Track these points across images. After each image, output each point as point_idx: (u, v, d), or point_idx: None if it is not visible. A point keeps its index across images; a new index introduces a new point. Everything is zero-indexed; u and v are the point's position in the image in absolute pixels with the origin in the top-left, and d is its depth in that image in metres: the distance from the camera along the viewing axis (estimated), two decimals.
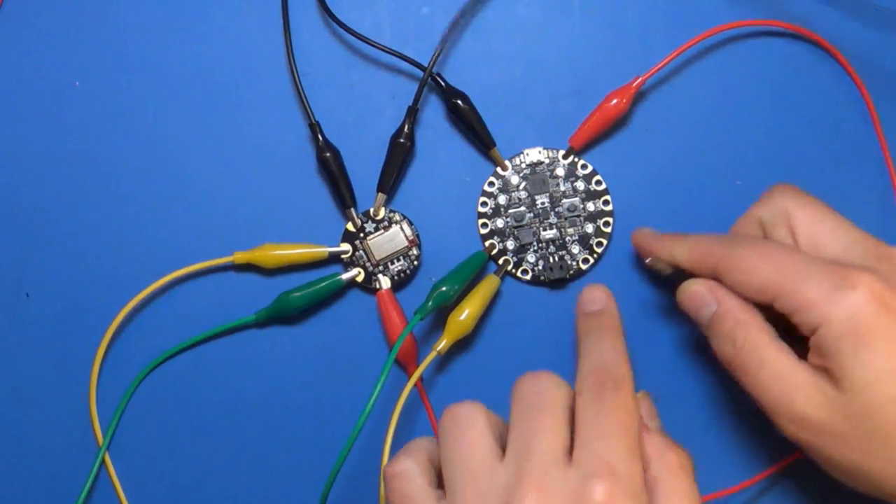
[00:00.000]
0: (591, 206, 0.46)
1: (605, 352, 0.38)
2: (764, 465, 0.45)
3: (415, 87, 0.46)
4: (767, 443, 0.45)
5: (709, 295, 0.40)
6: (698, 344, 0.45)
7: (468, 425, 0.36)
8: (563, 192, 0.46)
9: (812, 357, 0.37)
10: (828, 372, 0.36)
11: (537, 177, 0.46)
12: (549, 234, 0.46)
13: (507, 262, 0.46)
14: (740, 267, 0.38)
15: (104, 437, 0.46)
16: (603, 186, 0.46)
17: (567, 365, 0.46)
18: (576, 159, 0.46)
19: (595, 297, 0.41)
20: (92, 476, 0.45)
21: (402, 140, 0.45)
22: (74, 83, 0.47)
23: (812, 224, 0.40)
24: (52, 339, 0.46)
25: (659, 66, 0.44)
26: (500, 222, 0.46)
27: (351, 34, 0.46)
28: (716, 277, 0.40)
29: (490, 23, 0.47)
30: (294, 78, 0.45)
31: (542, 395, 0.36)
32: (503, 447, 0.36)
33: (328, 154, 0.45)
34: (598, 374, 0.36)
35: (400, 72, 0.46)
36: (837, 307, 0.36)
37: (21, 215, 0.47)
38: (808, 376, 0.37)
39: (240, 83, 0.47)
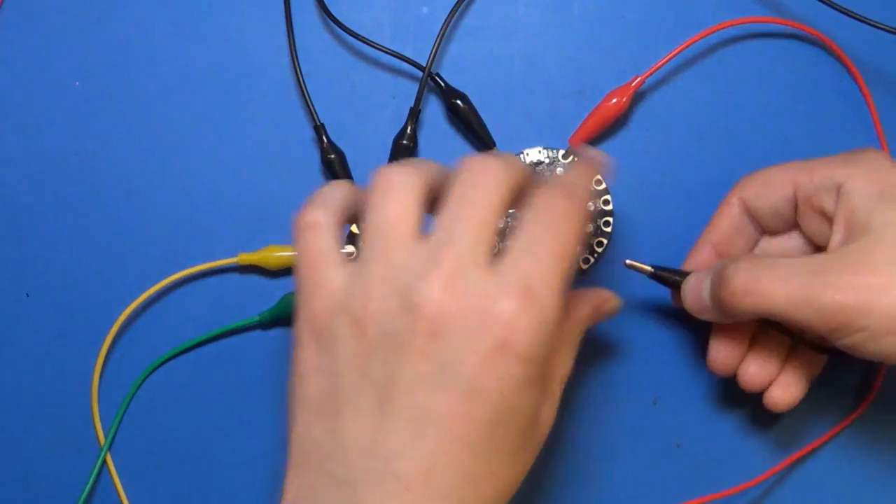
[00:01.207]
0: (590, 206, 0.46)
1: (570, 175, 0.36)
2: (765, 467, 0.45)
3: (415, 87, 0.46)
4: (768, 444, 0.45)
5: (701, 276, 0.40)
6: (699, 344, 0.45)
7: (400, 194, 0.34)
8: None
9: (837, 227, 0.38)
10: (855, 231, 0.37)
11: (537, 177, 0.46)
12: None
13: None
14: (762, 176, 0.41)
15: (106, 437, 0.46)
16: (603, 186, 0.46)
17: None
18: (576, 159, 0.46)
19: (587, 150, 0.41)
20: (93, 476, 0.45)
21: (405, 142, 0.45)
22: (74, 83, 0.47)
23: None
24: (53, 339, 0.46)
25: (658, 64, 0.44)
26: (500, 223, 0.46)
27: (351, 35, 0.46)
28: (740, 206, 0.42)
29: (490, 23, 0.47)
30: (298, 79, 0.45)
31: (486, 186, 0.33)
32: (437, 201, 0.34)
33: (333, 156, 0.45)
34: (555, 187, 0.35)
35: (400, 72, 0.46)
36: (857, 164, 0.38)
37: (21, 215, 0.47)
38: (834, 263, 0.36)
39: (242, 84, 0.47)
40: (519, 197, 0.35)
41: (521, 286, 0.32)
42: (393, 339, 0.32)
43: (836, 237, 0.38)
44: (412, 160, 0.35)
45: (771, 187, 0.41)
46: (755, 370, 0.42)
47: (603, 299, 0.41)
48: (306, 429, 0.34)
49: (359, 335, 0.33)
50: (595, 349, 0.46)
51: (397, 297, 0.32)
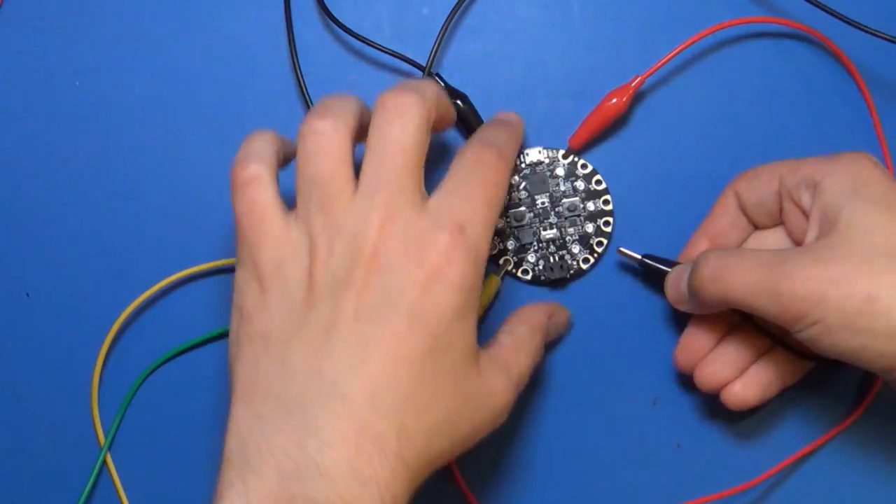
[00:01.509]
0: (591, 206, 0.46)
1: (499, 135, 0.39)
2: (765, 467, 0.45)
3: None
4: (767, 445, 0.45)
5: (682, 268, 0.42)
6: None
7: (329, 146, 0.36)
8: (564, 191, 0.46)
9: (812, 224, 0.38)
10: (826, 226, 0.37)
11: (537, 177, 0.46)
12: (550, 233, 0.46)
13: (507, 262, 0.46)
14: (751, 173, 0.42)
15: (106, 437, 0.46)
16: (603, 186, 0.46)
17: (570, 365, 0.46)
18: (575, 159, 0.46)
19: (508, 116, 0.43)
20: (93, 476, 0.46)
21: None
22: (74, 83, 0.47)
23: None
24: (54, 339, 0.46)
25: (658, 64, 0.44)
26: (500, 222, 0.46)
27: (351, 35, 0.46)
28: (734, 200, 0.43)
29: (490, 23, 0.47)
30: (298, 79, 0.45)
31: (404, 125, 0.35)
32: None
33: None
34: (485, 143, 0.37)
35: (400, 72, 0.46)
36: (837, 163, 0.39)
37: (21, 215, 0.47)
38: (798, 256, 0.37)
39: (242, 84, 0.47)
40: (439, 120, 0.37)
41: (453, 222, 0.35)
42: (339, 280, 0.34)
43: (811, 233, 0.38)
44: (333, 101, 0.37)
45: (759, 181, 0.42)
46: (713, 369, 0.42)
47: (554, 309, 0.43)
48: (253, 362, 0.35)
49: (308, 280, 0.35)
50: (595, 349, 0.46)
51: (341, 243, 0.35)
